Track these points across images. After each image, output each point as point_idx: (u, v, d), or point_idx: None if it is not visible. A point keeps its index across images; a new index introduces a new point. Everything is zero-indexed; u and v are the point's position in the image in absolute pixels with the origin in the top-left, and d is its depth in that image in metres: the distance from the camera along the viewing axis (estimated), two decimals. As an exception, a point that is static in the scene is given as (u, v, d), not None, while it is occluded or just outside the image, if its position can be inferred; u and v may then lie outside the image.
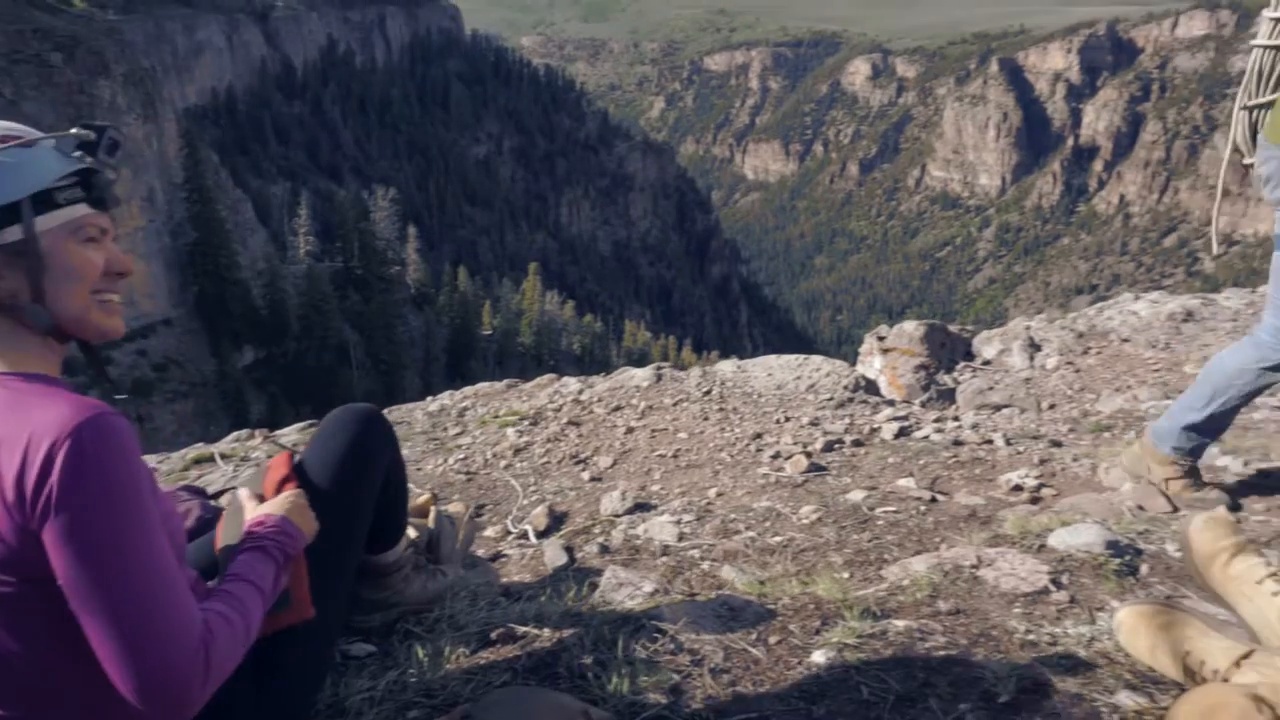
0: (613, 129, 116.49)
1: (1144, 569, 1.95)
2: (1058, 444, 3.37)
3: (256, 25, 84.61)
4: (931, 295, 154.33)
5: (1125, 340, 4.69)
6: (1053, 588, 1.87)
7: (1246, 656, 1.35)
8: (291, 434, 4.37)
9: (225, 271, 40.75)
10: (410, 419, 4.38)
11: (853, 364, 4.87)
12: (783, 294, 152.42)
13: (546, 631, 1.73)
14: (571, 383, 4.37)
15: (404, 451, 3.89)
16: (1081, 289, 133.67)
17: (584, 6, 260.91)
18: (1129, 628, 1.54)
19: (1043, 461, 3.07)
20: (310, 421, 4.51)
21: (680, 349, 71.09)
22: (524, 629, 1.74)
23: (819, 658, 1.60)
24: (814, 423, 3.67)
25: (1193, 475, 2.53)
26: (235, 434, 4.39)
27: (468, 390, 4.62)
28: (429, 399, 4.60)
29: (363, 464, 1.53)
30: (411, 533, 1.83)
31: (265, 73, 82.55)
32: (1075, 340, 4.70)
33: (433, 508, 2.03)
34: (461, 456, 3.63)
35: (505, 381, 4.68)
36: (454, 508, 2.15)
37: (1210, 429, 2.51)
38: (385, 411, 4.85)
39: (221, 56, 76.02)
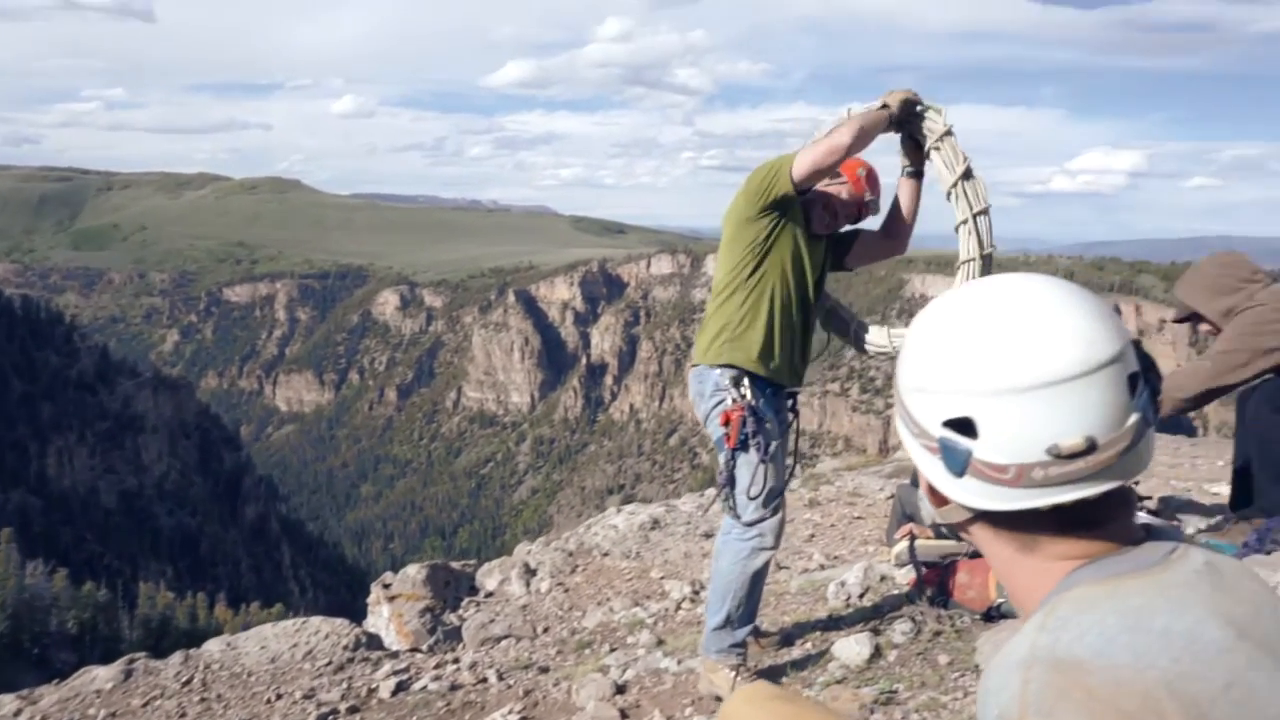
0: (115, 365, 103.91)
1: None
2: (545, 669, 3.61)
3: None
4: (481, 511, 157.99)
5: (606, 554, 5.29)
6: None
7: None
8: None
9: None
10: None
11: (362, 617, 4.76)
12: (329, 528, 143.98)
13: None
14: (6, 701, 3.60)
15: None
16: (612, 489, 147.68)
17: (73, 234, 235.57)
18: None
19: (527, 692, 3.26)
20: None
21: (212, 605, 62.39)
22: None
23: None
24: (309, 695, 3.47)
25: (741, 668, 2.81)
26: None
27: None
28: None
29: None
30: None
31: None
32: (565, 560, 5.17)
33: None
34: None
35: (-90, 716, 3.69)
36: None
37: (737, 622, 2.82)
38: None
39: None
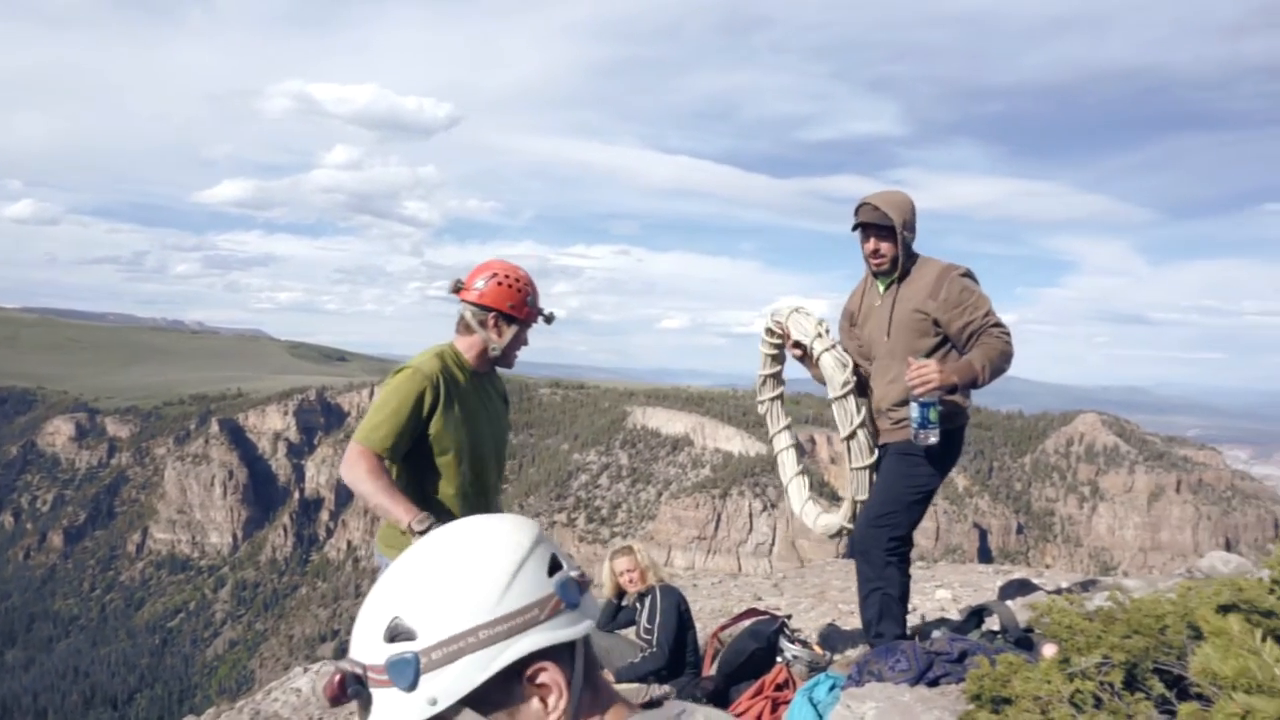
0: None
1: None
2: None
3: None
4: (166, 671, 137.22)
5: (283, 724, 4.87)
6: None
7: None
8: None
9: None
10: None
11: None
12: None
13: None
14: None
15: None
16: (325, 636, 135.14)
17: None
18: None
19: None
20: None
21: None
22: None
23: None
24: None
25: None
26: None
27: None
28: None
29: None
30: None
31: None
32: (234, 736, 4.69)
33: None
34: None
35: None
36: None
37: None
38: None
39: None
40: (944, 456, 3.65)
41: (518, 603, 0.90)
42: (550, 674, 0.92)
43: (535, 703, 0.92)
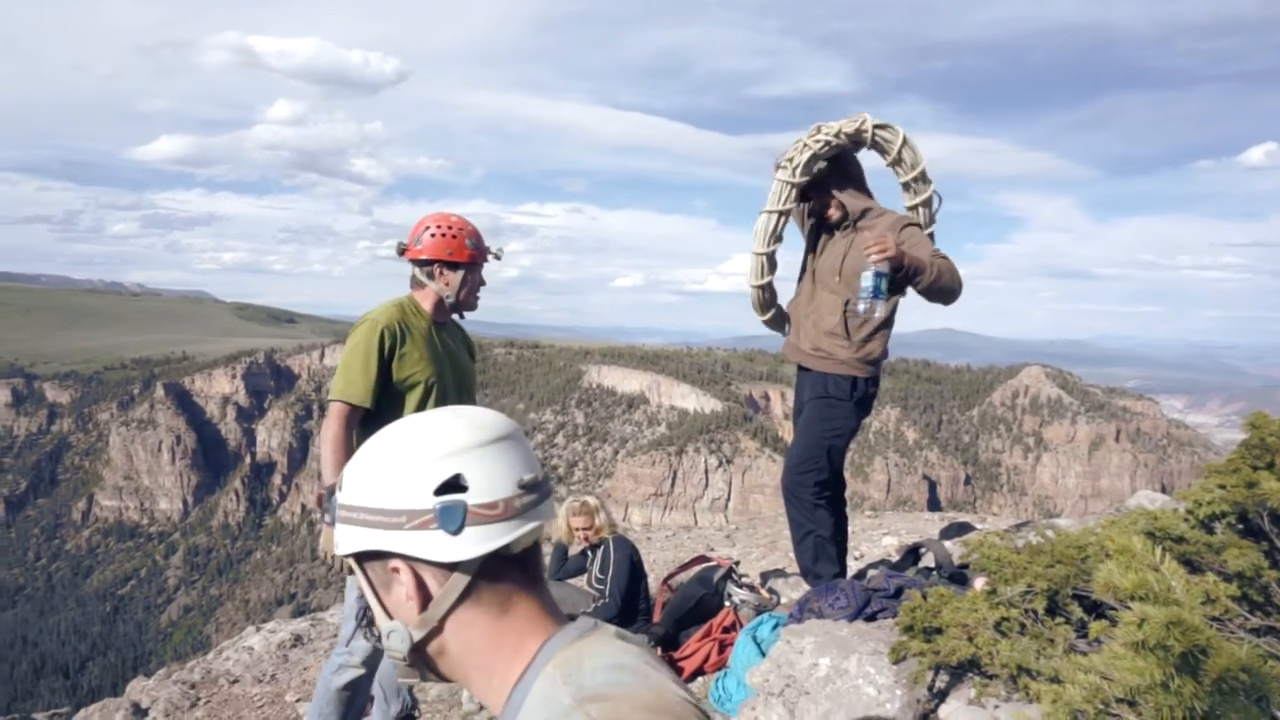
0: None
1: None
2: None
3: None
4: (119, 639, 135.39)
5: (235, 681, 4.86)
6: None
7: None
8: None
9: None
10: None
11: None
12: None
13: None
14: None
15: None
16: (281, 599, 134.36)
17: None
18: None
19: None
20: None
21: None
22: None
23: None
24: None
25: None
26: None
27: None
28: None
29: None
30: None
31: None
32: (185, 694, 4.67)
33: None
34: None
35: None
36: None
37: None
38: None
39: None
40: (858, 402, 3.79)
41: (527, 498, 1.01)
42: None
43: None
